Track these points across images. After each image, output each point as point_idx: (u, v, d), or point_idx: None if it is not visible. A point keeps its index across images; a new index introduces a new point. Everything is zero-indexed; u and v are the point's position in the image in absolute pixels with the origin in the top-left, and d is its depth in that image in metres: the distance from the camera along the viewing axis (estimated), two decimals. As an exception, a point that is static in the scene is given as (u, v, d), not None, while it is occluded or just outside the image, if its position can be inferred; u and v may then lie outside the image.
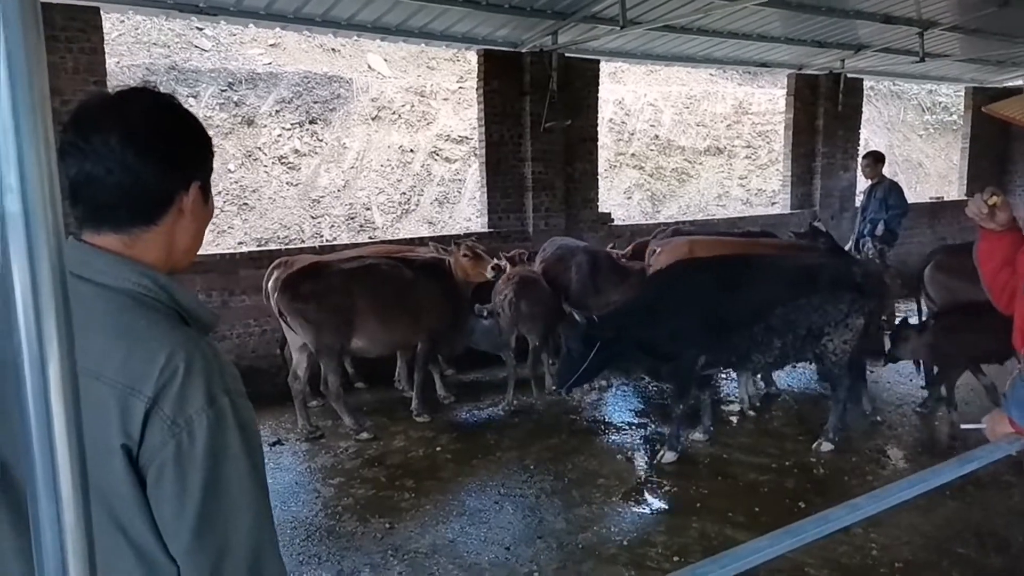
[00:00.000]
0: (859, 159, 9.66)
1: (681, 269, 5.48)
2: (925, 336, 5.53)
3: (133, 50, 11.41)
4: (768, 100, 15.48)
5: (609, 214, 9.20)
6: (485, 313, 6.23)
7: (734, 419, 5.97)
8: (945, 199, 12.73)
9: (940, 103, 17.91)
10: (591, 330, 4.86)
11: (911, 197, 9.86)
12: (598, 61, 8.54)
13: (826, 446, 5.25)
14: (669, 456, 5.14)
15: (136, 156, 1.10)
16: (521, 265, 6.49)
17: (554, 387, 5.64)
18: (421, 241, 7.33)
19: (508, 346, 6.29)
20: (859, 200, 9.42)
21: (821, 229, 7.64)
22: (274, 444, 5.49)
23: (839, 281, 5.18)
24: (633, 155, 14.04)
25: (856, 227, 8.63)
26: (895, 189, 8.19)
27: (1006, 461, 2.57)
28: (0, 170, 0.60)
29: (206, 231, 1.28)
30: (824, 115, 10.38)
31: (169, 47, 11.82)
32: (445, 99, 12.89)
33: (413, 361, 6.22)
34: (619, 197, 13.28)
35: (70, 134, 1.11)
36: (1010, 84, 12.28)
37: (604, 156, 11.22)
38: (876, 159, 8.28)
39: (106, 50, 6.05)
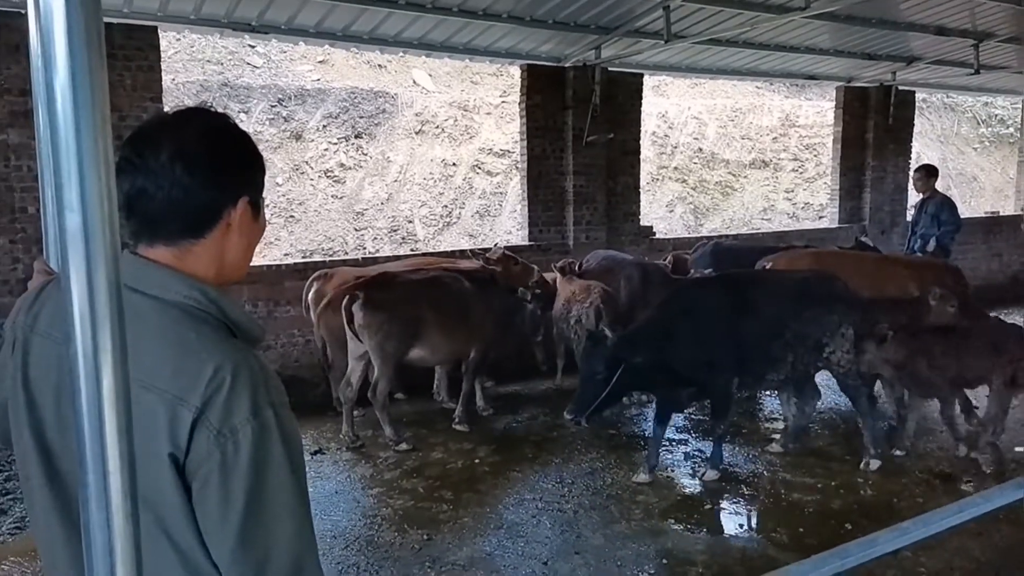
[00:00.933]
0: (911, 172, 9.42)
1: (702, 287, 5.37)
2: (884, 351, 4.98)
3: (188, 67, 11.77)
4: (816, 113, 15.21)
5: (651, 227, 9.14)
6: (529, 297, 6.27)
7: (777, 436, 5.84)
8: (1000, 214, 12.33)
9: (996, 115, 17.38)
10: (617, 350, 4.64)
11: (965, 211, 9.57)
12: (641, 75, 8.51)
13: (874, 463, 5.13)
14: (711, 474, 5.06)
15: (184, 171, 1.14)
16: (571, 275, 6.55)
17: (568, 416, 4.87)
18: (462, 253, 7.38)
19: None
20: (910, 215, 9.18)
21: (868, 244, 7.45)
22: (315, 453, 5.57)
23: (830, 293, 5.16)
24: (676, 168, 13.93)
25: (907, 243, 8.41)
26: (947, 204, 7.97)
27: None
28: (62, 189, 0.64)
29: (257, 246, 1.32)
30: (874, 128, 10.15)
31: (222, 64, 12.17)
32: (488, 113, 12.98)
33: (455, 372, 6.26)
34: (661, 210, 13.18)
35: (126, 150, 1.16)
36: (1071, 96, 11.88)
37: (646, 169, 11.16)
38: (928, 173, 8.08)
39: (162, 67, 6.26)
